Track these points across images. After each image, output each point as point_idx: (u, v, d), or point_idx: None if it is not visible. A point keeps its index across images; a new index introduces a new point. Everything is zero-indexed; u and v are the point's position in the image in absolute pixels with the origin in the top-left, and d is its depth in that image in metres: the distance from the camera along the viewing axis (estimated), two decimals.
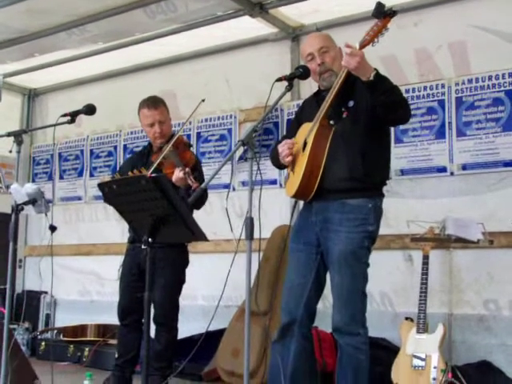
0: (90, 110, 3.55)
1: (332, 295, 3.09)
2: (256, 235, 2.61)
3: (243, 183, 5.40)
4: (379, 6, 2.75)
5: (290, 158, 3.12)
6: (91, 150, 6.55)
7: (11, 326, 3.85)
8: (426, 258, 3.91)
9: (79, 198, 6.59)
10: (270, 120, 5.31)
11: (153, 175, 2.68)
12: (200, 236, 2.78)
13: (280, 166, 3.31)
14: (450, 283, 4.23)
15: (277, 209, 5.03)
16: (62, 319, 6.42)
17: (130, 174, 3.42)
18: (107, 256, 6.06)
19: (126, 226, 3.51)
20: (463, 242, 3.99)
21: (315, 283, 3.14)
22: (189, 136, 5.71)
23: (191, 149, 4.16)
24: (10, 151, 3.51)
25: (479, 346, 4.23)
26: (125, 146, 6.28)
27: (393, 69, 4.57)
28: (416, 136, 4.62)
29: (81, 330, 5.77)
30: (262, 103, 5.06)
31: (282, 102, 5.06)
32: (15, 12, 4.94)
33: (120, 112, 6.10)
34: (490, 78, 4.34)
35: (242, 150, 4.99)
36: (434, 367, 3.63)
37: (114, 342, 5.19)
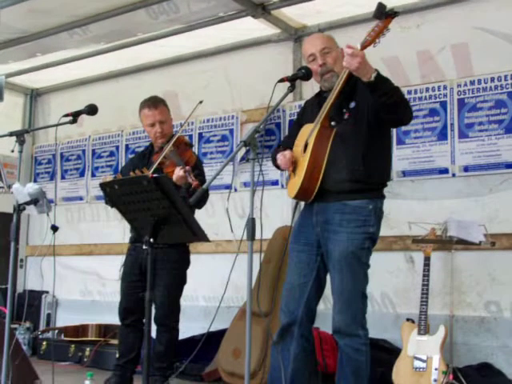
0: (91, 110, 3.55)
1: (332, 296, 3.09)
2: (257, 236, 2.61)
3: (245, 184, 5.40)
4: (380, 6, 2.75)
5: (290, 169, 3.16)
6: (93, 150, 6.56)
7: (12, 326, 3.86)
8: (427, 259, 3.91)
9: (81, 198, 6.60)
10: (272, 121, 5.31)
11: (154, 175, 2.69)
12: (201, 237, 2.78)
13: (281, 167, 3.32)
14: (451, 285, 4.23)
15: (278, 209, 5.03)
16: (63, 319, 6.42)
17: (131, 174, 3.44)
18: (108, 256, 6.07)
19: (127, 226, 3.52)
20: (465, 244, 3.98)
21: (315, 284, 3.14)
22: (191, 136, 5.72)
23: (192, 148, 4.17)
24: (12, 151, 3.51)
25: (480, 348, 4.22)
26: (126, 146, 6.29)
27: (395, 70, 4.58)
28: (418, 137, 4.62)
29: (82, 329, 5.76)
30: (264, 104, 5.07)
31: (284, 103, 5.06)
32: (17, 12, 4.94)
33: (122, 112, 6.10)
34: (492, 79, 4.34)
35: (243, 150, 4.99)
36: (435, 369, 3.63)
37: (115, 342, 5.19)
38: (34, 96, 7.18)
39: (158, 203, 2.68)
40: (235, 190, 5.44)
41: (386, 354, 4.18)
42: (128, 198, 2.79)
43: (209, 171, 4.80)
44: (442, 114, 4.53)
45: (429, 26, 4.64)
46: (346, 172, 3.04)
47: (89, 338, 5.65)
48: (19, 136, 3.45)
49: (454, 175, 4.45)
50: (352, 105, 3.12)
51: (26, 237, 6.95)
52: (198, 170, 3.85)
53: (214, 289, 5.28)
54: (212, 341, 4.36)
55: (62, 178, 6.78)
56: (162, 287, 3.85)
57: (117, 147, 6.36)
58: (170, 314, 3.96)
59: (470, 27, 4.45)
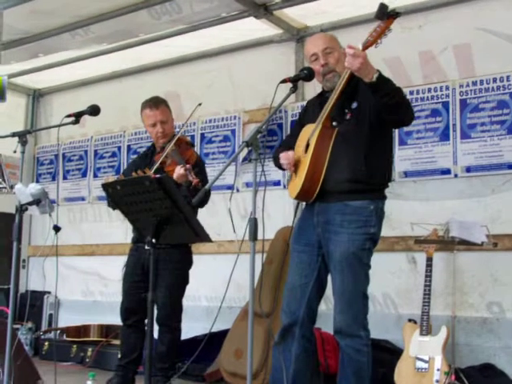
0: (94, 110, 3.56)
1: (333, 297, 3.08)
2: (259, 236, 2.61)
3: (247, 184, 5.40)
4: (382, 7, 2.74)
5: (292, 169, 3.15)
6: (95, 151, 6.56)
7: (14, 326, 3.85)
8: (429, 260, 3.90)
9: (83, 199, 6.60)
10: (274, 121, 5.31)
11: (157, 176, 2.69)
12: (204, 237, 2.78)
13: (282, 167, 3.32)
14: (453, 285, 4.22)
15: (280, 210, 5.03)
16: (65, 319, 6.43)
17: (133, 174, 3.45)
18: (110, 256, 6.08)
19: (129, 226, 3.51)
20: (467, 245, 3.98)
21: (316, 284, 3.14)
22: (193, 137, 5.71)
23: (193, 148, 4.18)
24: (15, 151, 3.51)
25: (482, 349, 4.22)
26: (129, 146, 6.29)
27: (397, 71, 4.58)
28: (420, 138, 4.61)
29: (84, 330, 5.77)
30: (266, 104, 5.08)
31: (287, 104, 5.06)
32: (20, 13, 4.95)
33: (124, 113, 6.10)
34: (494, 80, 4.34)
35: (245, 151, 4.99)
36: (438, 369, 3.62)
37: (117, 342, 5.19)
38: (36, 96, 7.19)
39: (161, 203, 2.69)
40: (237, 190, 5.44)
41: (387, 354, 4.18)
42: (130, 198, 2.79)
43: (211, 172, 4.80)
44: (444, 114, 4.53)
45: (431, 26, 4.64)
46: (348, 172, 3.04)
47: (91, 339, 5.66)
48: (21, 136, 3.46)
49: (456, 176, 4.45)
50: (354, 105, 3.11)
51: (28, 237, 6.96)
52: (198, 168, 3.85)
53: (215, 289, 5.29)
54: (214, 341, 4.36)
55: (64, 178, 6.78)
56: (164, 287, 3.85)
57: (119, 148, 6.37)
58: (172, 315, 3.96)
59: (473, 28, 4.45)
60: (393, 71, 4.37)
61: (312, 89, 4.51)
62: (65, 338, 5.80)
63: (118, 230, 5.95)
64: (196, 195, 2.81)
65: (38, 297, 6.48)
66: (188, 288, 4.06)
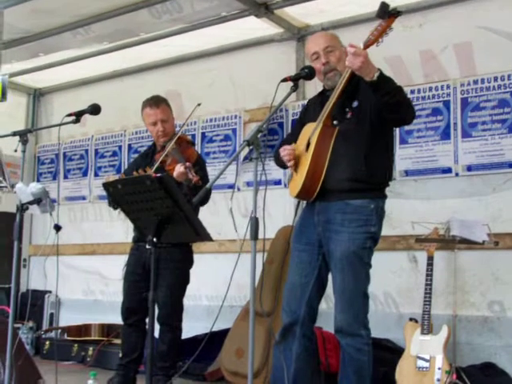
0: (94, 109, 3.56)
1: (334, 296, 3.08)
2: (260, 235, 2.61)
3: (248, 183, 5.40)
4: (383, 5, 2.73)
5: (292, 163, 3.13)
6: (96, 150, 6.56)
7: (15, 325, 3.85)
8: (430, 259, 3.90)
9: (84, 198, 6.60)
10: (275, 120, 5.31)
11: (157, 175, 2.69)
12: (205, 236, 2.78)
13: (284, 166, 3.31)
14: (454, 284, 4.22)
15: (281, 209, 5.03)
16: (66, 318, 6.43)
17: (134, 173, 3.45)
18: (111, 255, 6.08)
19: (130, 225, 3.51)
20: (468, 243, 3.98)
21: (317, 283, 3.14)
22: (193, 136, 5.71)
23: (194, 147, 4.19)
24: (15, 150, 3.51)
25: (484, 348, 4.22)
26: (129, 145, 6.29)
27: (398, 69, 4.57)
28: (421, 137, 4.61)
29: (85, 329, 5.77)
30: (267, 103, 5.08)
31: (287, 103, 5.05)
32: (21, 12, 4.95)
33: (125, 112, 6.10)
34: (495, 79, 4.33)
35: (246, 150, 4.99)
36: (439, 368, 3.62)
37: (118, 341, 5.19)
38: (37, 96, 7.19)
39: (162, 202, 2.68)
40: (238, 189, 5.44)
41: (388, 353, 4.18)
42: (131, 197, 2.79)
43: (212, 171, 4.80)
44: (445, 113, 4.52)
45: (432, 25, 4.63)
46: (348, 171, 3.04)
47: (92, 338, 5.66)
48: (22, 136, 3.46)
49: (457, 175, 4.45)
50: (355, 104, 3.11)
51: (29, 236, 6.96)
52: (198, 166, 3.85)
53: (216, 288, 5.28)
54: (215, 340, 4.36)
55: (65, 177, 6.78)
56: (165, 287, 3.85)
57: (120, 147, 6.36)
58: (173, 314, 3.96)
59: (473, 26, 4.44)
60: (394, 70, 4.37)
61: (313, 88, 4.51)
62: (66, 337, 5.81)
63: (119, 229, 5.95)
64: (196, 193, 2.80)
65: (38, 296, 6.49)
66: (189, 287, 4.06)
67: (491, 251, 4.13)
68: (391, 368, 3.83)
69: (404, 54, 4.67)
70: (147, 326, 2.96)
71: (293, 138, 3.31)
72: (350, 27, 4.87)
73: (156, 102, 4.08)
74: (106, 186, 2.89)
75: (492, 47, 4.35)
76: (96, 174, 6.52)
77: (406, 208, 4.52)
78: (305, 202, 3.30)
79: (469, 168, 4.40)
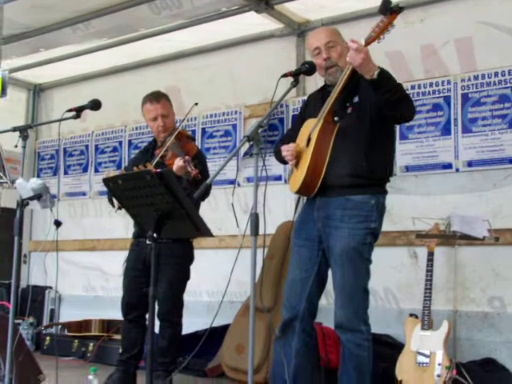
0: (95, 105, 3.56)
1: (334, 292, 3.09)
2: (261, 231, 2.61)
3: (248, 179, 5.39)
4: (386, 2, 2.72)
5: (293, 161, 3.14)
6: (96, 146, 6.56)
7: (16, 321, 3.85)
8: (430, 254, 3.90)
9: (84, 194, 6.60)
10: (276, 116, 5.30)
11: (158, 170, 2.68)
12: (205, 231, 2.78)
13: (284, 161, 3.31)
14: (454, 280, 4.22)
15: (281, 204, 5.02)
16: (67, 314, 6.44)
17: (135, 169, 3.44)
18: (112, 251, 6.08)
19: (130, 221, 3.51)
20: (468, 239, 3.98)
21: (317, 279, 3.14)
22: (194, 132, 5.70)
23: (194, 142, 4.18)
24: (16, 146, 3.51)
25: (484, 343, 4.22)
26: (130, 141, 6.29)
27: (398, 65, 4.57)
28: (421, 132, 4.61)
29: (85, 325, 5.78)
30: (268, 99, 5.06)
31: (288, 98, 5.05)
32: (21, 7, 4.95)
33: (125, 107, 6.10)
34: (496, 74, 4.33)
35: (247, 145, 4.99)
36: (439, 364, 3.62)
37: (118, 337, 5.20)
38: (37, 91, 7.19)
39: (162, 198, 2.68)
40: (239, 185, 5.44)
41: (389, 349, 4.18)
42: (131, 192, 2.78)
43: (212, 166, 4.79)
44: (446, 108, 4.52)
45: (432, 20, 4.62)
46: (349, 167, 3.03)
47: (92, 334, 5.67)
48: (22, 131, 3.46)
49: (457, 170, 4.44)
50: (356, 100, 3.11)
51: (29, 232, 6.96)
52: (197, 159, 3.84)
53: (217, 284, 5.28)
54: (215, 336, 4.36)
55: (65, 173, 6.78)
56: (165, 282, 3.85)
57: (120, 142, 6.36)
58: (173, 310, 3.96)
59: (474, 21, 4.43)
60: (394, 65, 4.36)
61: (313, 83, 4.50)
62: (66, 332, 5.81)
63: (119, 224, 5.94)
64: (196, 187, 2.80)
65: (39, 292, 6.49)
66: (189, 283, 4.06)
67: (491, 247, 4.13)
68: (391, 364, 3.83)
69: (405, 49, 4.66)
70: (147, 322, 2.96)
71: (293, 134, 3.31)
72: (351, 23, 4.86)
73: (156, 97, 4.08)
74: (106, 181, 2.88)
75: (492, 42, 4.34)
76: (96, 170, 6.52)
77: (406, 203, 4.51)
78: (305, 197, 3.30)
79: (469, 163, 4.39)
